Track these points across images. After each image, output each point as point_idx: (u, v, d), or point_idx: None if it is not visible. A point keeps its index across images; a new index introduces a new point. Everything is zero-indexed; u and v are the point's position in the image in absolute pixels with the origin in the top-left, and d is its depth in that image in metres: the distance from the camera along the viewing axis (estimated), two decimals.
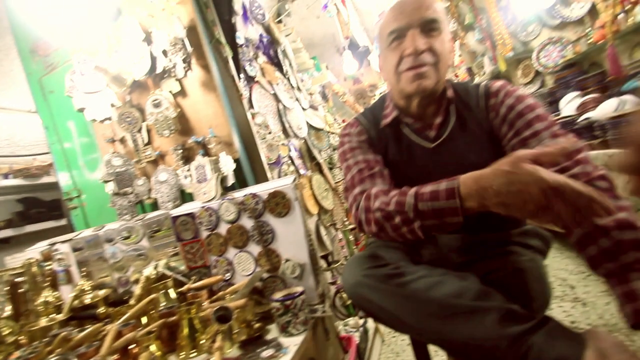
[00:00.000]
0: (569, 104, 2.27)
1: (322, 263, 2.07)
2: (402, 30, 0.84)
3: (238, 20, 2.05)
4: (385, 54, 0.91)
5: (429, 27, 0.83)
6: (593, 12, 2.31)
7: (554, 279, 2.33)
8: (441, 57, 0.84)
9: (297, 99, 2.57)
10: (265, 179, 1.53)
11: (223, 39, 1.55)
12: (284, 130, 2.28)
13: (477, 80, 3.73)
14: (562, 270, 2.39)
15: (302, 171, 2.29)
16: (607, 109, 1.83)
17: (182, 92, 1.29)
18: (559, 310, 1.95)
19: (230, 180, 1.23)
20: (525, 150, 0.60)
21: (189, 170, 1.24)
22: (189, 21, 1.22)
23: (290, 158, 2.27)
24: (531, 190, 0.56)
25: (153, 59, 1.23)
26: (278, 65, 2.44)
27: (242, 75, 1.73)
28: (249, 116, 1.53)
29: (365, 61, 5.06)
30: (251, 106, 1.98)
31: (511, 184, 0.58)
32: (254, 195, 1.15)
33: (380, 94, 7.84)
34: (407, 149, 0.96)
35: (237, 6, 2.02)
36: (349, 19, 2.52)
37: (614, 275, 0.62)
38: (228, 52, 1.54)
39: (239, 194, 1.19)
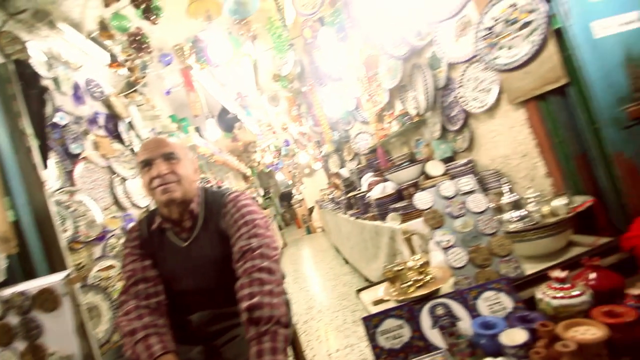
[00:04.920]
0: (366, 182, 2.99)
1: None
2: (149, 160, 1.13)
3: (66, 100, 2.11)
4: (142, 177, 1.18)
5: (169, 157, 1.13)
6: None
7: None
8: (182, 176, 1.14)
9: None
10: (63, 265, 1.55)
11: (29, 130, 1.59)
12: (117, 202, 2.31)
13: (324, 149, 4.46)
14: None
15: None
16: (377, 191, 2.50)
17: None
18: None
19: (1, 277, 1.23)
20: None
21: None
22: None
23: (124, 230, 2.29)
24: None
25: None
26: (119, 138, 2.50)
27: (52, 159, 1.76)
28: (50, 202, 1.56)
29: (238, 124, 5.47)
30: (72, 184, 1.99)
31: None
32: (22, 293, 1.18)
33: (263, 149, 8.36)
34: (169, 248, 1.20)
35: (66, 87, 2.09)
36: (197, 99, 2.81)
37: (249, 344, 0.92)
38: (32, 142, 1.58)
39: (7, 291, 1.21)
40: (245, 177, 8.86)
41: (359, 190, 3.09)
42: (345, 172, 4.06)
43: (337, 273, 4.44)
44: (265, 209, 8.61)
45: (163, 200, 1.13)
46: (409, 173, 2.15)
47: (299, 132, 4.08)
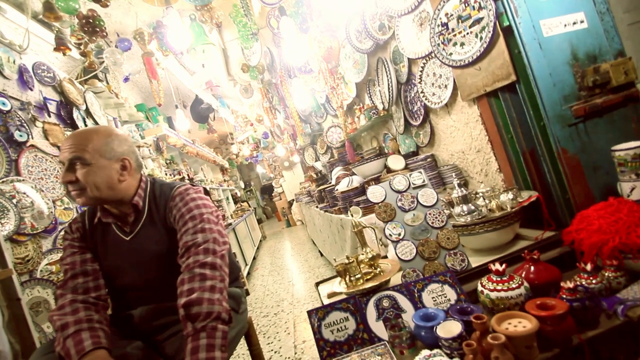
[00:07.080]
0: (335, 175, 2.97)
1: None
2: (61, 163, 1.04)
3: (10, 84, 1.96)
4: None
5: (73, 163, 1.01)
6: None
7: None
8: (89, 184, 1.01)
9: None
10: (2, 260, 1.45)
11: None
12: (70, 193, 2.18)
13: (298, 142, 4.40)
14: None
15: None
16: (343, 184, 2.49)
17: None
18: None
19: None
20: None
21: None
22: None
23: None
24: None
25: None
26: (74, 126, 2.37)
27: None
28: None
29: (212, 115, 5.30)
30: (18, 173, 1.86)
31: None
32: None
33: (241, 141, 8.20)
34: (112, 241, 1.14)
35: (9, 70, 1.94)
36: (159, 87, 2.68)
37: (185, 340, 0.89)
38: None
39: None
40: (223, 170, 8.68)
41: (329, 183, 3.07)
42: (319, 166, 4.03)
43: (312, 265, 4.44)
44: (244, 201, 8.49)
45: (78, 203, 1.07)
46: (372, 167, 2.14)
47: (274, 125, 4.01)
